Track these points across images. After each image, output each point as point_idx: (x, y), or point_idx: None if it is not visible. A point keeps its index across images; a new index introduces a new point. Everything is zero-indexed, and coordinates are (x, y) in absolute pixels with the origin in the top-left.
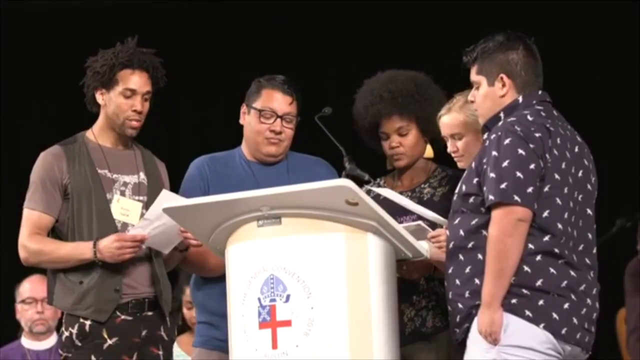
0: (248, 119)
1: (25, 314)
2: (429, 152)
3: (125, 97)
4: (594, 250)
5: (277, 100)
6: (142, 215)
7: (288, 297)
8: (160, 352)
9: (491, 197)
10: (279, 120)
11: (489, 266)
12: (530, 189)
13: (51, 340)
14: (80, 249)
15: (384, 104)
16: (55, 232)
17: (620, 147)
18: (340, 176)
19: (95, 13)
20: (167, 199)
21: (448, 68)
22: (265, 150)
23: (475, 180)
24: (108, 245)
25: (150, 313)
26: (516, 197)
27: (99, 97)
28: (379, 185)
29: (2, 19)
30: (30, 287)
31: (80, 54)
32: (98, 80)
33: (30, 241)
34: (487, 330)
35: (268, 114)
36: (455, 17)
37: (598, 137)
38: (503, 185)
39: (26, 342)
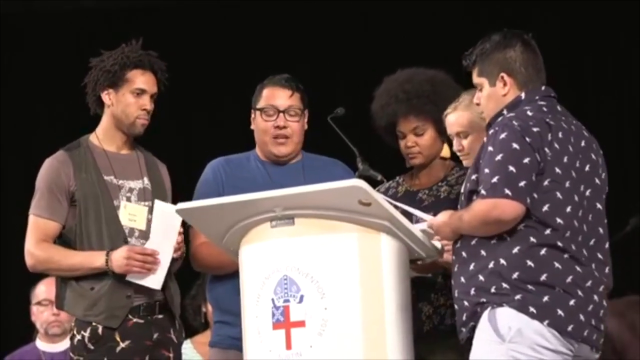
0: (255, 122)
1: (40, 315)
2: (446, 151)
3: (134, 96)
4: (607, 245)
5: (276, 96)
6: (148, 221)
7: (302, 297)
8: (171, 355)
9: (483, 191)
10: (281, 115)
11: (460, 219)
12: (522, 183)
13: (66, 343)
14: (92, 258)
15: (399, 105)
16: (62, 239)
17: (633, 145)
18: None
19: (107, 15)
20: (162, 209)
21: (455, 69)
22: (274, 151)
23: (474, 177)
24: (119, 254)
25: (161, 316)
26: (507, 191)
27: (106, 98)
28: (397, 184)
29: (10, 21)
30: (46, 289)
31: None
32: (109, 79)
33: (38, 249)
34: (436, 228)
35: (270, 110)
36: (466, 19)
37: (610, 135)
38: (495, 179)
39: (41, 344)
